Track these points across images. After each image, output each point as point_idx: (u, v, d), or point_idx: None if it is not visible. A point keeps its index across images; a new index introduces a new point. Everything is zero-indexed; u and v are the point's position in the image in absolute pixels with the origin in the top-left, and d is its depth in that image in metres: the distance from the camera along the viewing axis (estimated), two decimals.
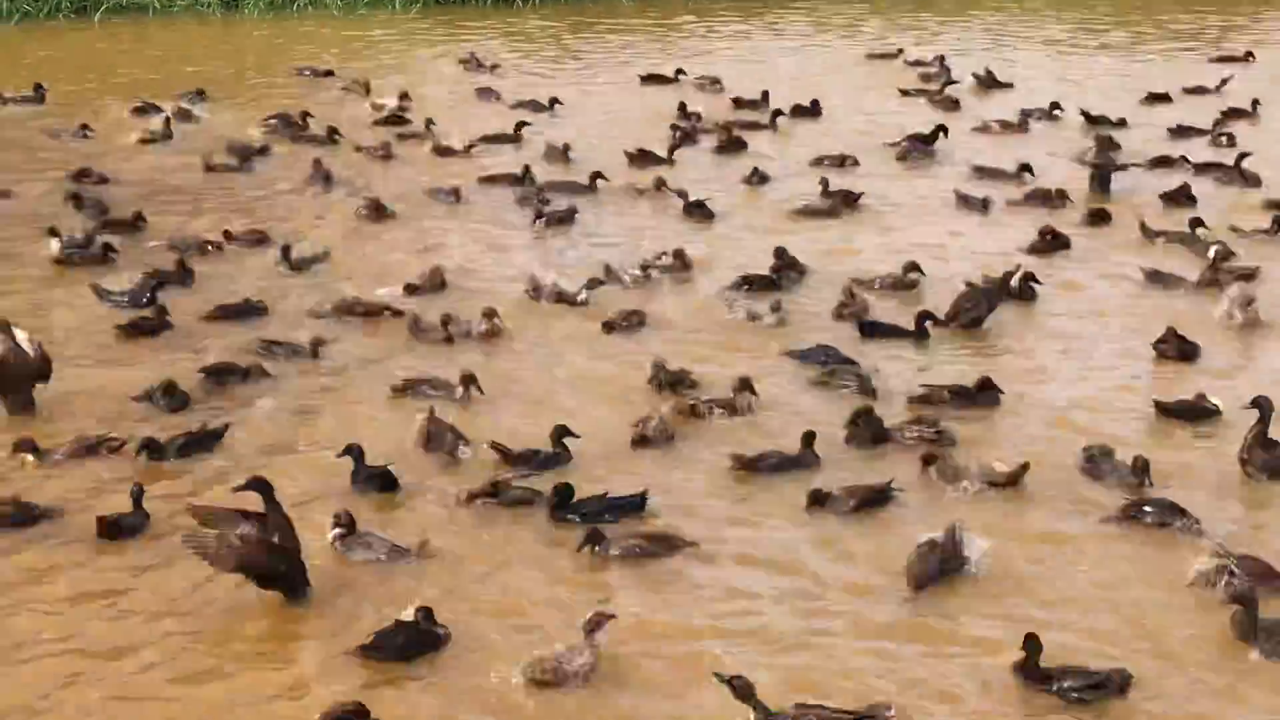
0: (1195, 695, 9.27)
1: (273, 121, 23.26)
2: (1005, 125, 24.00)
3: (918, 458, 12.12)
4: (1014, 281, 16.03)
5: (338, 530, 10.74)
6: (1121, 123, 23.83)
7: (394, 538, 10.83)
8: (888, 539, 11.03)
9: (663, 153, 21.91)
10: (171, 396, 13.09)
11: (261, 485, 10.18)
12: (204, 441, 12.31)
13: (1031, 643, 9.30)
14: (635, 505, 11.34)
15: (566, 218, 18.76)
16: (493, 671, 9.33)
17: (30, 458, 12.13)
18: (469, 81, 27.10)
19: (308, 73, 27.82)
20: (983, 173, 20.97)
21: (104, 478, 11.93)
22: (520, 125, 23.23)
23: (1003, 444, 12.59)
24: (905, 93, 26.32)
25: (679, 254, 16.97)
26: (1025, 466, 11.83)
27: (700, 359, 14.35)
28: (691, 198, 19.37)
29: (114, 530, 10.98)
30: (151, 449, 12.10)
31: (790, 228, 18.77)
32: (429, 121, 23.34)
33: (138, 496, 11.20)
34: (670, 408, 12.91)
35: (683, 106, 24.62)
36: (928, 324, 15.06)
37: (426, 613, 9.63)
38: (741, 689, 8.74)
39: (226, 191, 20.26)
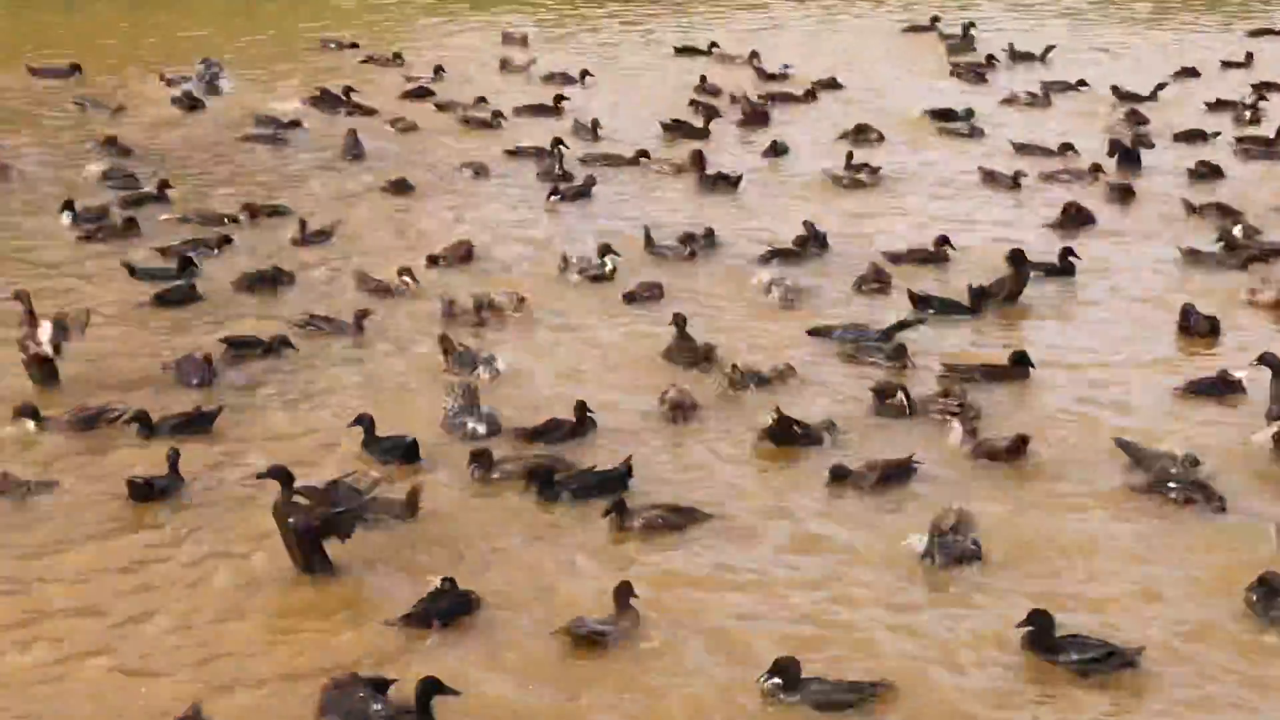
0: (1210, 670, 9.29)
1: (315, 94, 23.22)
2: (1032, 98, 23.95)
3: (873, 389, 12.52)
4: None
5: None
6: (1153, 96, 23.80)
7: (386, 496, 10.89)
8: (908, 512, 11.02)
9: (696, 124, 21.92)
10: (203, 372, 13.04)
11: (282, 473, 10.20)
12: (197, 423, 12.13)
13: (1041, 617, 9.28)
14: (620, 479, 11.31)
15: (583, 192, 18.74)
16: (525, 637, 9.45)
17: (31, 424, 12.04)
18: (494, 54, 27.02)
19: (332, 45, 27.85)
20: (1022, 149, 20.82)
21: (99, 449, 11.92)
22: (559, 99, 23.16)
23: (1027, 417, 12.58)
24: (956, 67, 26.11)
25: (708, 232, 16.95)
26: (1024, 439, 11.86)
27: (721, 329, 14.41)
28: (712, 171, 19.40)
29: (145, 492, 10.96)
30: (142, 424, 11.99)
31: (812, 200, 18.72)
32: (480, 99, 23.21)
33: (174, 460, 11.23)
34: (715, 376, 13.10)
35: (703, 80, 24.58)
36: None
37: (451, 581, 9.71)
38: (785, 668, 8.86)
39: (254, 163, 20.29)
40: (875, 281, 15.63)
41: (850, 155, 19.96)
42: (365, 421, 11.87)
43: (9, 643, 9.36)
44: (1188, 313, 14.50)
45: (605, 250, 16.00)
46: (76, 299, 14.81)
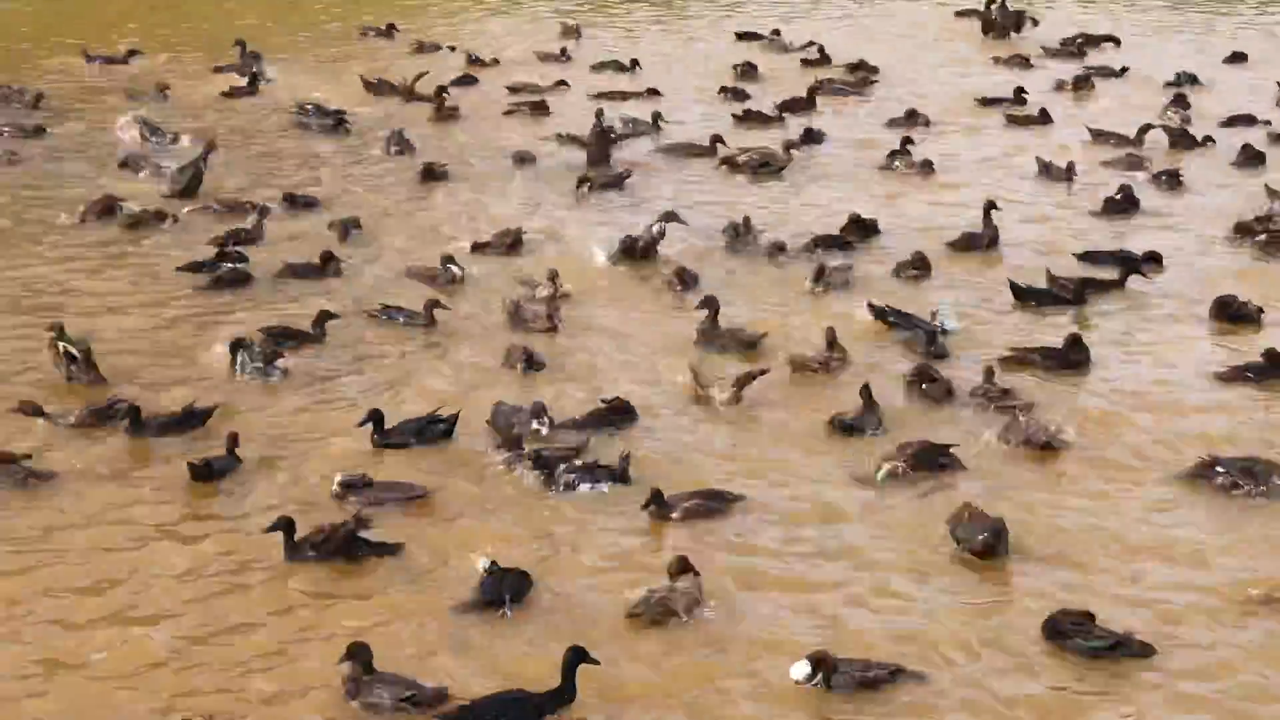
0: (1229, 657, 9.29)
1: (375, 82, 23.35)
2: (1077, 83, 23.82)
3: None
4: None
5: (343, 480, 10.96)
6: (1197, 80, 23.72)
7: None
8: (941, 497, 11.01)
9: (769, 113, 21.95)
10: (267, 362, 13.04)
11: (285, 524, 10.24)
12: (188, 422, 11.98)
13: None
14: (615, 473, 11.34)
15: (615, 183, 18.66)
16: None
17: (40, 421, 11.93)
18: (541, 42, 27.02)
19: (371, 32, 27.97)
20: (1100, 135, 20.64)
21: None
22: (652, 91, 23.06)
23: (1075, 405, 12.60)
24: (1028, 59, 25.94)
25: (745, 220, 16.82)
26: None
27: (765, 316, 14.48)
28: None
29: (205, 472, 11.08)
30: (133, 421, 11.84)
31: (857, 187, 18.66)
32: (559, 82, 23.41)
33: (232, 442, 11.34)
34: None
35: (746, 67, 24.59)
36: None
37: (494, 562, 9.79)
38: (819, 660, 8.89)
39: (295, 151, 20.37)
40: (914, 269, 15.60)
41: (904, 141, 19.91)
42: (376, 417, 11.83)
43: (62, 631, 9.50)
44: (1227, 303, 14.44)
45: (671, 217, 16.32)
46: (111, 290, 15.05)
